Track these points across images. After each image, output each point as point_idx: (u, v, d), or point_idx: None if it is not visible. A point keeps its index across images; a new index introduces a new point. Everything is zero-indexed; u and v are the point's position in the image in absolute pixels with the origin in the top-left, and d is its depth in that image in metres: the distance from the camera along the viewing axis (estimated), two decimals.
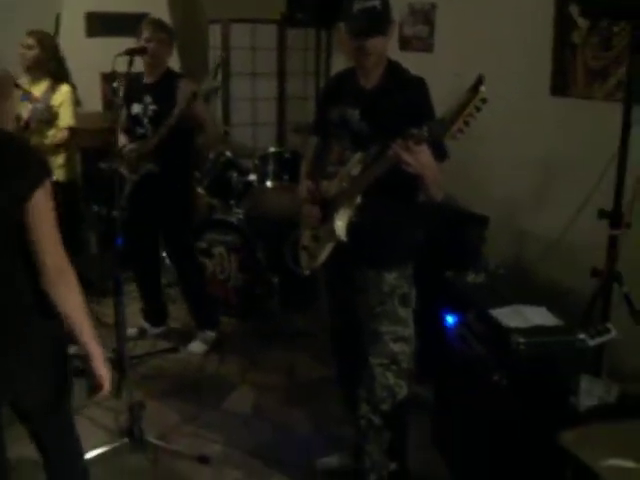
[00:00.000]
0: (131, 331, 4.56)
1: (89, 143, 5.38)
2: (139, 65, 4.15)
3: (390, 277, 2.84)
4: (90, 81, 5.86)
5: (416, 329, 2.93)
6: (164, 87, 4.26)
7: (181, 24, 6.11)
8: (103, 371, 2.27)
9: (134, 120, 4.33)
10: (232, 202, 5.14)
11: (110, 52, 3.51)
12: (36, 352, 2.21)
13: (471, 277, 3.53)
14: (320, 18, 5.62)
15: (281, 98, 6.70)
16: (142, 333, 4.75)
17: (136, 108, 4.31)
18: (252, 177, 5.12)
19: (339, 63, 5.72)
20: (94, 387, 2.28)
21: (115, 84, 3.69)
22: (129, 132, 4.40)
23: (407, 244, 2.91)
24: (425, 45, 5.04)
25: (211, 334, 4.66)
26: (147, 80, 4.36)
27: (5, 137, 2.11)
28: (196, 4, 6.64)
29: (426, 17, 5.00)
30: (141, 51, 3.97)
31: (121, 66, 3.56)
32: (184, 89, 4.18)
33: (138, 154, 4.26)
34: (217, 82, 4.15)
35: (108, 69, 3.47)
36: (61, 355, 2.33)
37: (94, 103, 5.96)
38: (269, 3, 6.02)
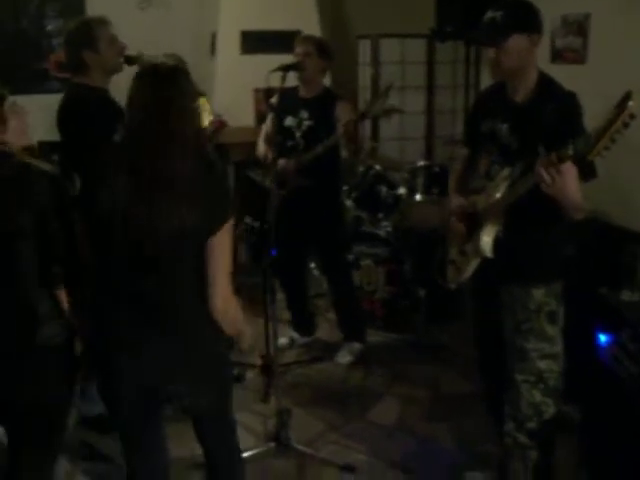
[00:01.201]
0: (282, 340, 4.64)
1: (241, 157, 5.57)
2: (292, 80, 4.26)
3: (538, 294, 2.79)
4: (243, 97, 6.07)
5: (565, 347, 2.87)
6: (321, 105, 4.31)
7: (330, 40, 6.24)
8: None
9: (285, 132, 4.38)
10: (380, 215, 5.19)
11: (262, 69, 3.63)
12: (201, 348, 2.36)
13: (626, 295, 3.42)
14: (469, 31, 5.59)
15: (430, 112, 6.71)
16: (292, 343, 4.84)
17: (289, 121, 4.37)
18: (401, 190, 5.16)
19: (488, 76, 5.66)
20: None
21: (273, 100, 3.78)
22: (271, 143, 4.40)
23: (555, 260, 2.86)
24: (578, 57, 4.91)
25: (358, 346, 4.70)
26: (303, 94, 4.40)
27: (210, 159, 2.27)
28: (345, 20, 6.77)
29: (579, 28, 4.88)
30: (294, 67, 4.07)
31: (274, 82, 3.68)
32: (343, 112, 4.25)
33: (290, 168, 4.35)
34: (389, 104, 4.18)
35: (260, 85, 3.56)
36: (222, 358, 2.51)
37: (247, 118, 6.15)
38: (418, 17, 6.04)
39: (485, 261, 2.84)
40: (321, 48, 4.35)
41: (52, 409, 2.39)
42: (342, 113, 4.26)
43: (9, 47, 5.81)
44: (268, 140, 4.47)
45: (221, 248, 2.24)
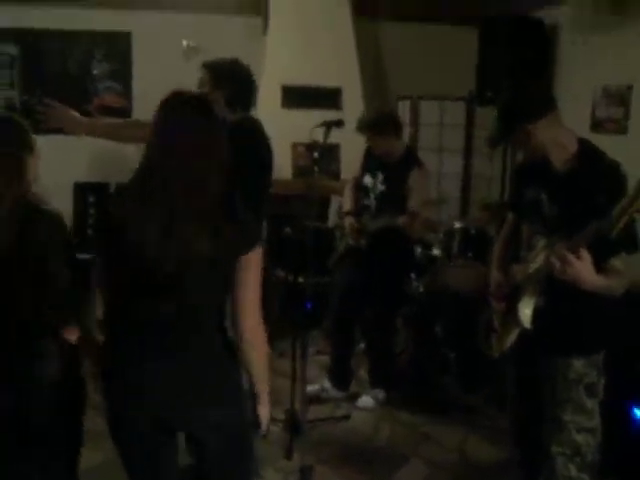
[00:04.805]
0: (311, 388, 4.55)
1: (277, 210, 5.58)
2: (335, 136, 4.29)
3: (578, 364, 2.75)
4: (282, 150, 6.11)
5: (601, 420, 2.81)
6: (398, 171, 4.40)
7: (371, 99, 6.29)
8: (262, 411, 2.36)
9: (363, 190, 4.52)
10: (413, 275, 5.18)
11: (302, 123, 3.66)
12: (219, 387, 2.27)
13: None
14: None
15: (466, 175, 6.73)
16: (321, 391, 4.77)
17: (367, 180, 4.50)
18: (436, 251, 5.16)
19: None
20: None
21: (316, 154, 3.81)
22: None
23: (596, 331, 2.81)
24: (619, 127, 4.93)
25: (382, 394, 4.71)
26: (384, 158, 4.49)
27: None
28: (386, 80, 6.84)
29: (621, 99, 4.91)
30: (337, 124, 4.11)
31: (316, 136, 3.72)
32: (415, 182, 4.35)
33: (358, 227, 4.45)
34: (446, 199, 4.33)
35: (299, 139, 3.57)
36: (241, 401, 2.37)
37: (284, 171, 6.19)
38: (458, 81, 6.10)
39: (525, 330, 2.81)
40: (397, 128, 4.46)
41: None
42: (414, 183, 4.35)
43: (56, 89, 5.93)
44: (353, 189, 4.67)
45: (248, 276, 2.18)
